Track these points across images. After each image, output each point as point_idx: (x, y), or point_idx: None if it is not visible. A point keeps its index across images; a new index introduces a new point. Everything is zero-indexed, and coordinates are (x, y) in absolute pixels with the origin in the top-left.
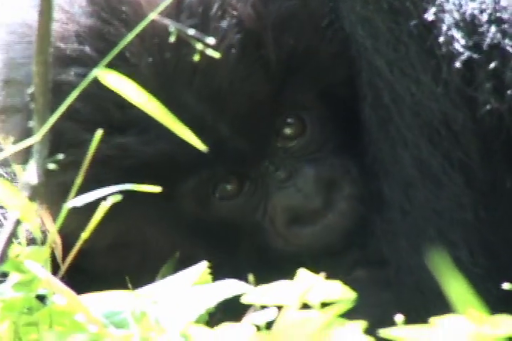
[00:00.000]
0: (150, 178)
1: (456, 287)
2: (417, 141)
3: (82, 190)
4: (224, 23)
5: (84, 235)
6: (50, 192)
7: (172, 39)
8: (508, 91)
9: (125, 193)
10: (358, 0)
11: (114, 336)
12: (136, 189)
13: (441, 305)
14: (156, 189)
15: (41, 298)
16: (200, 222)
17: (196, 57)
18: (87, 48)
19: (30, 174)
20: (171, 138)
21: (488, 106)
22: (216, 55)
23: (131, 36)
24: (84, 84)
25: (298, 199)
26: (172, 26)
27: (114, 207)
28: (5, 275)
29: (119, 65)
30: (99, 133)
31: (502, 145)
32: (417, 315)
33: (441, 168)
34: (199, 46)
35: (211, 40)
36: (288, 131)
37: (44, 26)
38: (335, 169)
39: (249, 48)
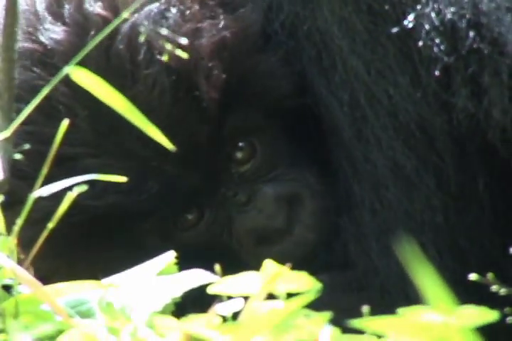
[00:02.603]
0: (107, 227)
1: (425, 280)
2: (391, 143)
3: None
4: (153, 69)
5: (51, 225)
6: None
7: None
8: (485, 96)
9: (91, 237)
10: (337, 1)
11: (80, 326)
12: (101, 178)
13: (407, 306)
14: (122, 179)
15: (7, 288)
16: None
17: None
18: (22, 105)
19: None
20: (118, 190)
21: (465, 111)
22: (184, 55)
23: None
24: (54, 81)
25: (261, 220)
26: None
27: (83, 250)
28: None
29: (51, 119)
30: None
31: (476, 150)
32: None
33: (415, 170)
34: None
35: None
36: (239, 155)
37: (10, 24)
38: (294, 184)
39: (182, 91)
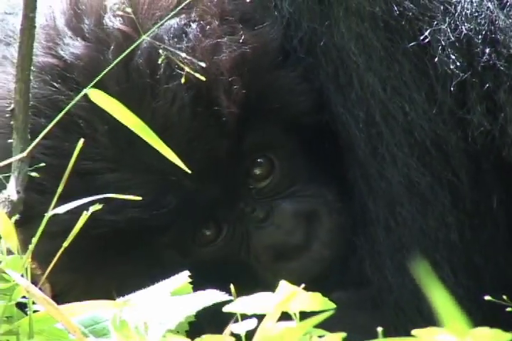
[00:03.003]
0: (126, 241)
1: (440, 299)
2: (406, 160)
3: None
4: (173, 83)
5: (65, 243)
6: (39, 256)
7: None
8: (501, 113)
9: (109, 251)
10: (354, 17)
11: None
12: (117, 197)
13: (421, 324)
14: (138, 197)
15: (21, 307)
16: (185, 268)
17: None
18: (42, 120)
19: (9, 190)
20: (137, 204)
21: (480, 128)
22: (202, 78)
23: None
24: (74, 101)
25: (279, 236)
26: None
27: (100, 264)
28: None
29: (71, 133)
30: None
31: (491, 167)
32: (397, 334)
33: (430, 187)
34: None
35: None
36: (258, 171)
37: (26, 45)
38: (312, 201)
39: (201, 106)
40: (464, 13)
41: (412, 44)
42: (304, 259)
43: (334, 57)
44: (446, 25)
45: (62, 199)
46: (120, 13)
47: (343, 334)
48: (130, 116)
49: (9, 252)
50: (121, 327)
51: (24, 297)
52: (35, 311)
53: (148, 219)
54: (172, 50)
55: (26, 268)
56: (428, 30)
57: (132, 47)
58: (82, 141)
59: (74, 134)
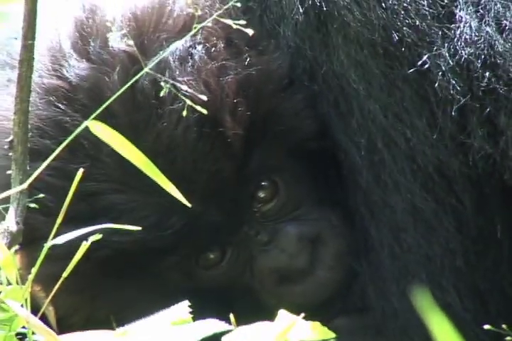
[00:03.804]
0: (129, 263)
1: (442, 330)
2: (409, 186)
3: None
4: (178, 104)
5: (65, 274)
6: (42, 278)
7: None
8: (502, 137)
9: (112, 274)
10: (352, 45)
11: None
12: (115, 227)
13: None
14: (137, 228)
15: (21, 337)
16: (188, 292)
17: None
18: (47, 141)
19: (8, 222)
20: (142, 225)
21: (481, 152)
22: (204, 111)
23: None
24: (76, 132)
25: (283, 260)
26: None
27: (104, 286)
28: None
29: (77, 155)
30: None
31: (494, 191)
32: None
33: (434, 213)
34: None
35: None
36: (262, 194)
37: (24, 76)
38: (317, 225)
39: (206, 127)
40: (463, 37)
41: (412, 70)
42: (308, 283)
43: (334, 85)
44: (445, 50)
45: (67, 221)
46: (124, 34)
47: None
48: (131, 149)
49: (9, 282)
50: None
51: (24, 327)
52: None
53: (152, 241)
54: (173, 82)
55: (26, 299)
56: (427, 56)
57: (134, 79)
58: (81, 169)
59: (79, 156)
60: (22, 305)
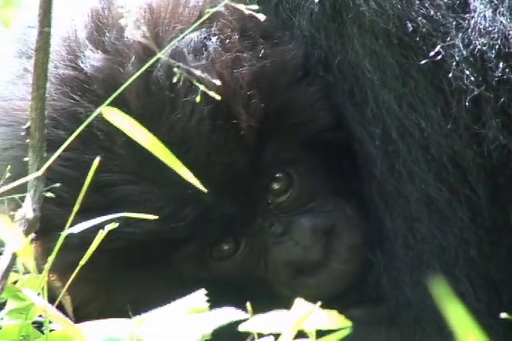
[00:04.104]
0: (144, 254)
1: (459, 319)
2: (424, 176)
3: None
4: (192, 96)
5: (82, 262)
6: (59, 268)
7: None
8: None
9: (127, 264)
10: (367, 34)
11: None
12: (132, 216)
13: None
14: (154, 216)
15: (38, 326)
16: (203, 281)
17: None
18: (61, 132)
19: (25, 209)
20: (158, 219)
21: (496, 142)
22: (217, 97)
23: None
24: (90, 118)
25: (297, 252)
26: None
27: (119, 276)
28: (3, 303)
29: (91, 146)
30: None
31: (508, 181)
32: None
33: (448, 203)
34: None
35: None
36: (276, 186)
37: (41, 63)
38: (331, 216)
39: (220, 119)
40: (477, 28)
41: (427, 60)
42: (323, 275)
43: (349, 75)
44: (459, 40)
45: (81, 211)
46: (139, 25)
47: None
48: (146, 135)
49: (26, 271)
50: None
51: (41, 316)
52: (51, 330)
53: (166, 232)
54: (187, 67)
55: (43, 288)
56: (441, 46)
57: (148, 64)
58: (98, 158)
59: (93, 146)
60: (39, 294)
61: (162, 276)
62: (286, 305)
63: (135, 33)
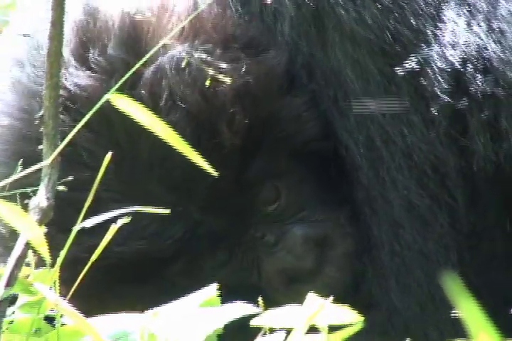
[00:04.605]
0: (136, 271)
1: (471, 315)
2: (406, 183)
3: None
4: (174, 115)
5: (94, 257)
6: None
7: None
8: (504, 141)
9: (120, 281)
10: (349, 42)
11: None
12: (142, 210)
13: None
14: (166, 211)
15: (49, 320)
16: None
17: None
18: None
19: (39, 197)
20: (142, 236)
21: (483, 155)
22: (227, 80)
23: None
24: (98, 106)
25: (290, 261)
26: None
27: (112, 293)
28: (15, 297)
29: (75, 165)
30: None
31: (487, 187)
32: None
33: (429, 209)
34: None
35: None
36: (263, 197)
37: (54, 51)
38: (323, 225)
39: (203, 138)
40: (451, 39)
41: (408, 68)
42: (316, 283)
43: (332, 82)
44: (436, 51)
45: (64, 230)
46: (122, 41)
47: None
48: (156, 122)
49: (38, 265)
50: (150, 340)
51: (52, 310)
52: (63, 324)
53: (154, 251)
54: (194, 53)
55: (55, 282)
56: (421, 55)
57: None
58: (109, 154)
59: (77, 165)
60: (50, 288)
61: (155, 293)
62: None
63: (118, 48)
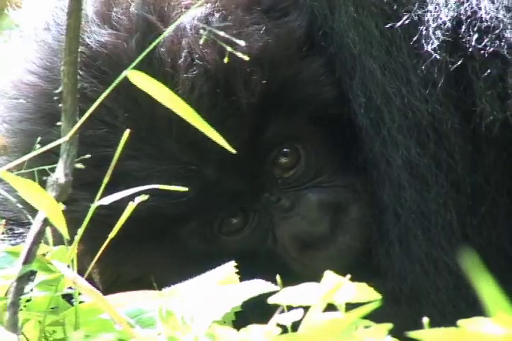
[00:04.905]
0: (149, 229)
1: (490, 292)
2: (406, 143)
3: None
4: (192, 73)
5: (111, 235)
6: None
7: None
8: (508, 100)
9: (132, 240)
10: (352, 5)
11: (141, 335)
12: (163, 188)
13: (436, 312)
14: (183, 188)
15: (67, 298)
16: (211, 256)
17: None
18: None
19: (57, 173)
20: (156, 193)
21: (488, 115)
22: (245, 57)
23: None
24: (115, 84)
25: (304, 227)
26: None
27: (126, 252)
28: (32, 273)
29: (92, 121)
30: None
31: (493, 151)
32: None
33: (429, 169)
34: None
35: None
36: (284, 161)
37: (72, 27)
38: (338, 191)
39: (220, 96)
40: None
41: (407, 27)
42: (330, 249)
43: (340, 44)
44: (433, 9)
45: (83, 186)
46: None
47: (390, 325)
48: (173, 98)
49: (55, 243)
50: (168, 318)
51: (70, 288)
52: (81, 302)
53: (167, 208)
54: (212, 29)
55: (72, 259)
56: (418, 14)
57: (151, 46)
58: (127, 131)
59: (95, 121)
60: (68, 266)
61: (168, 252)
62: (297, 279)
63: (141, 8)
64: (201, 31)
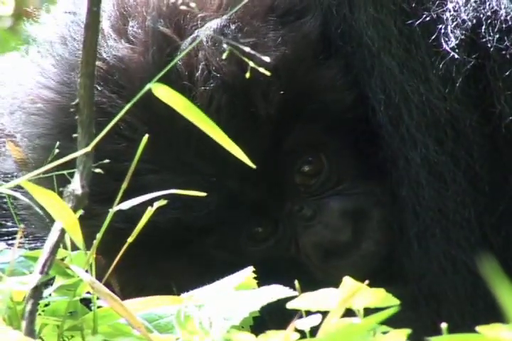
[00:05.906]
0: (172, 241)
1: (505, 295)
2: (424, 140)
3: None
4: (210, 85)
5: (130, 239)
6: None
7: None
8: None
9: (156, 252)
10: (371, 3)
11: (159, 340)
12: (182, 193)
13: (455, 311)
14: (202, 194)
15: (86, 302)
16: (234, 265)
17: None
18: None
19: (74, 185)
20: (177, 206)
21: (508, 117)
22: (267, 73)
23: (127, 107)
24: (138, 97)
25: (327, 235)
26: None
27: (149, 263)
28: (51, 278)
29: (115, 137)
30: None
31: (510, 149)
32: (434, 323)
33: (447, 167)
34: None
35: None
36: (307, 169)
37: (90, 40)
38: (360, 198)
39: (238, 108)
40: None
41: (426, 25)
42: (354, 257)
43: (359, 42)
44: (452, 8)
45: (102, 201)
46: (161, 14)
47: (408, 331)
48: (195, 112)
49: (74, 248)
50: (186, 323)
51: (88, 292)
52: (99, 307)
53: (190, 221)
54: (235, 44)
55: (91, 264)
56: (436, 13)
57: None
58: (146, 136)
59: (114, 136)
60: (86, 271)
61: (193, 264)
62: (318, 287)
63: (157, 21)
64: (224, 45)
